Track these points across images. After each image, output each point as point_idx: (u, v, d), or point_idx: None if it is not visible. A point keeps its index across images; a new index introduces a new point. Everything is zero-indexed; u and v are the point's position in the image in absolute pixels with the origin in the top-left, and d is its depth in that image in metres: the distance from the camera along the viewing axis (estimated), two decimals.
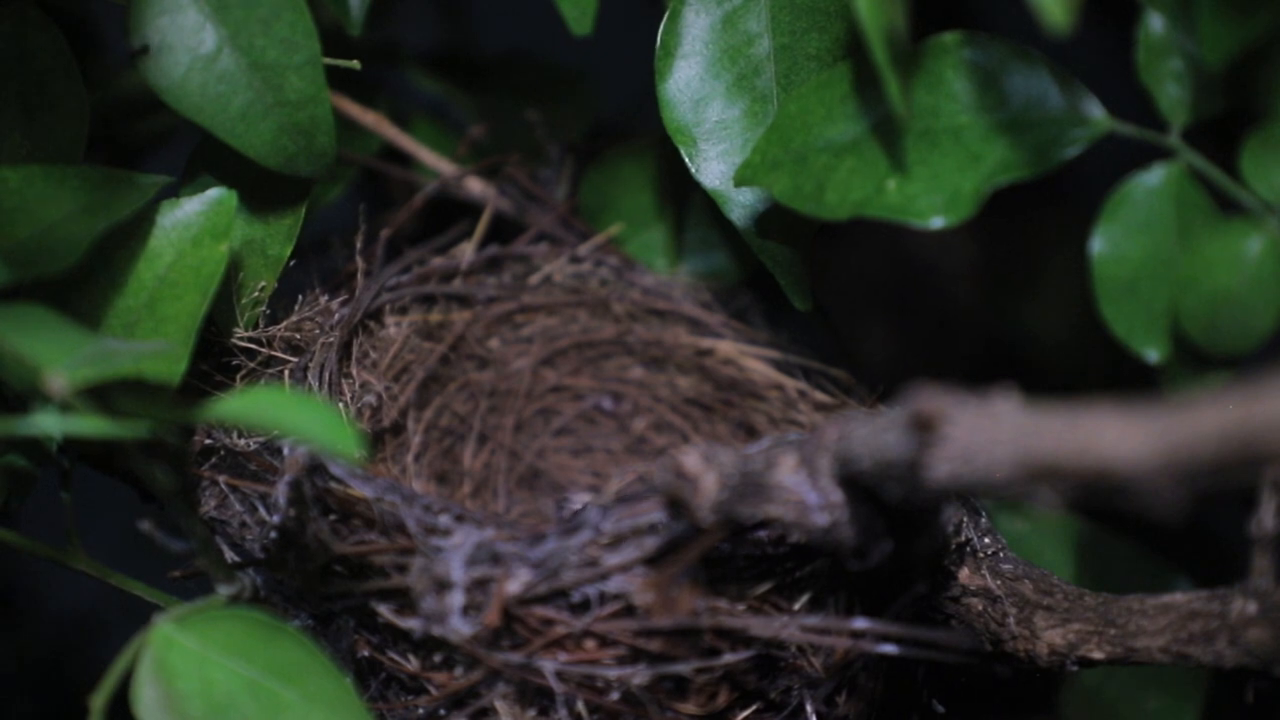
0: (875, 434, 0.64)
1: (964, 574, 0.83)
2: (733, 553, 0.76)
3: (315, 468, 0.79)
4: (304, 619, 0.82)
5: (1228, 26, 0.71)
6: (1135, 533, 1.06)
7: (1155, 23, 0.80)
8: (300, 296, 0.95)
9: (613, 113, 1.33)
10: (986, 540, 0.84)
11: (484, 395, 1.07)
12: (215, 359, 0.89)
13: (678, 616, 0.74)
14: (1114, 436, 0.52)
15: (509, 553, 0.76)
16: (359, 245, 0.99)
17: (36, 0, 0.84)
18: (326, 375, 0.91)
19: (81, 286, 0.81)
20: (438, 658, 0.78)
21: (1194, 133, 0.80)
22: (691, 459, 0.69)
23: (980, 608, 0.82)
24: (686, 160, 0.88)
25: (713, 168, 0.88)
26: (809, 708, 0.79)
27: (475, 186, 1.08)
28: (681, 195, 1.05)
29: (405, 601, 0.77)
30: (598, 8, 0.93)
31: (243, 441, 0.84)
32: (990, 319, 1.63)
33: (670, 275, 1.07)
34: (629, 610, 0.75)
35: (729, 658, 0.76)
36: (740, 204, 0.88)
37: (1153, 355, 0.81)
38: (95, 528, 0.88)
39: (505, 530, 0.77)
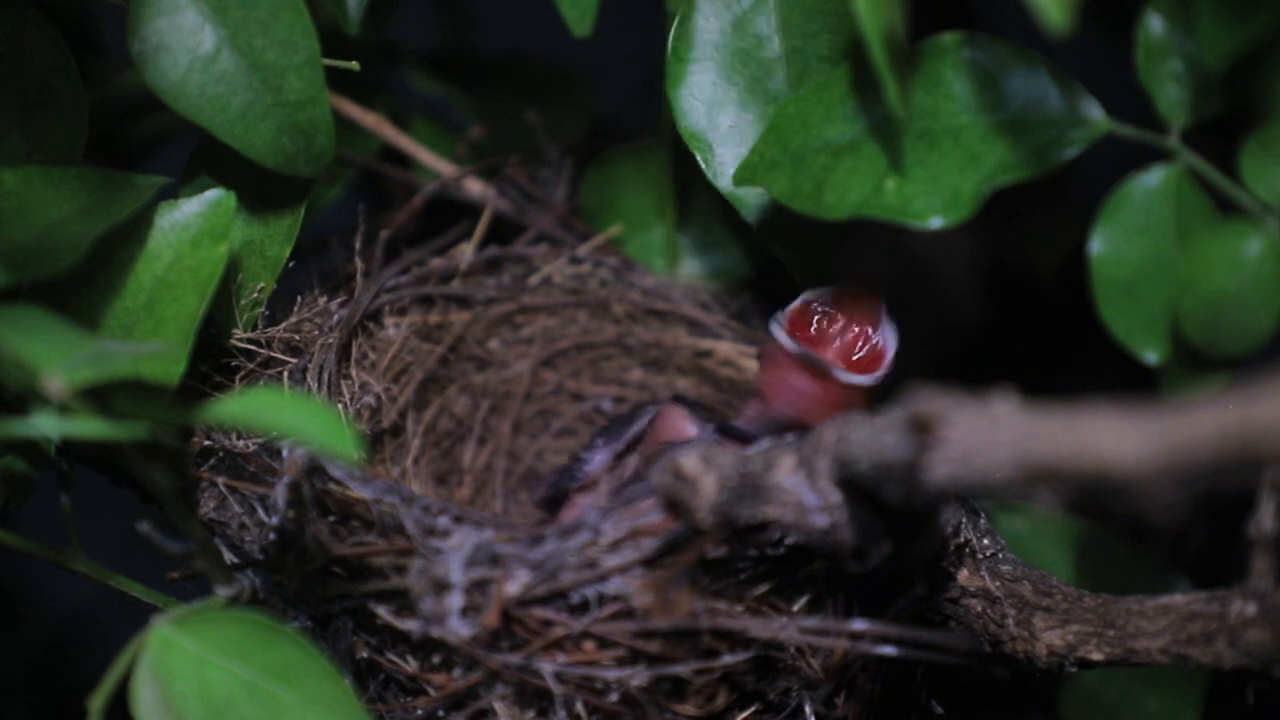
0: (874, 436, 0.64)
1: (963, 575, 0.83)
2: (731, 554, 0.76)
3: (314, 469, 0.79)
4: (303, 620, 0.82)
5: (1227, 28, 0.71)
6: (1134, 534, 1.06)
7: (1155, 24, 0.80)
8: (299, 297, 0.95)
9: (613, 113, 1.32)
10: (985, 541, 0.84)
11: (483, 396, 1.07)
12: (214, 360, 0.89)
13: (676, 618, 0.74)
14: (1113, 438, 0.52)
15: (508, 554, 0.76)
16: (358, 246, 0.99)
17: (36, 0, 0.84)
18: (325, 376, 0.90)
19: (80, 288, 0.81)
20: (436, 659, 0.78)
21: (1193, 134, 0.80)
22: (690, 460, 0.69)
23: (979, 609, 0.82)
24: (702, 165, 0.87)
25: (728, 172, 0.87)
26: (808, 709, 0.79)
27: (475, 187, 1.08)
28: (681, 196, 1.05)
29: (404, 603, 0.77)
30: (598, 8, 0.93)
31: (241, 443, 0.84)
32: (990, 319, 1.63)
33: (670, 276, 1.07)
34: (628, 612, 0.75)
35: (728, 659, 0.76)
36: (758, 207, 0.88)
37: (1152, 357, 0.81)
38: (95, 529, 0.88)
39: (504, 531, 0.77)
